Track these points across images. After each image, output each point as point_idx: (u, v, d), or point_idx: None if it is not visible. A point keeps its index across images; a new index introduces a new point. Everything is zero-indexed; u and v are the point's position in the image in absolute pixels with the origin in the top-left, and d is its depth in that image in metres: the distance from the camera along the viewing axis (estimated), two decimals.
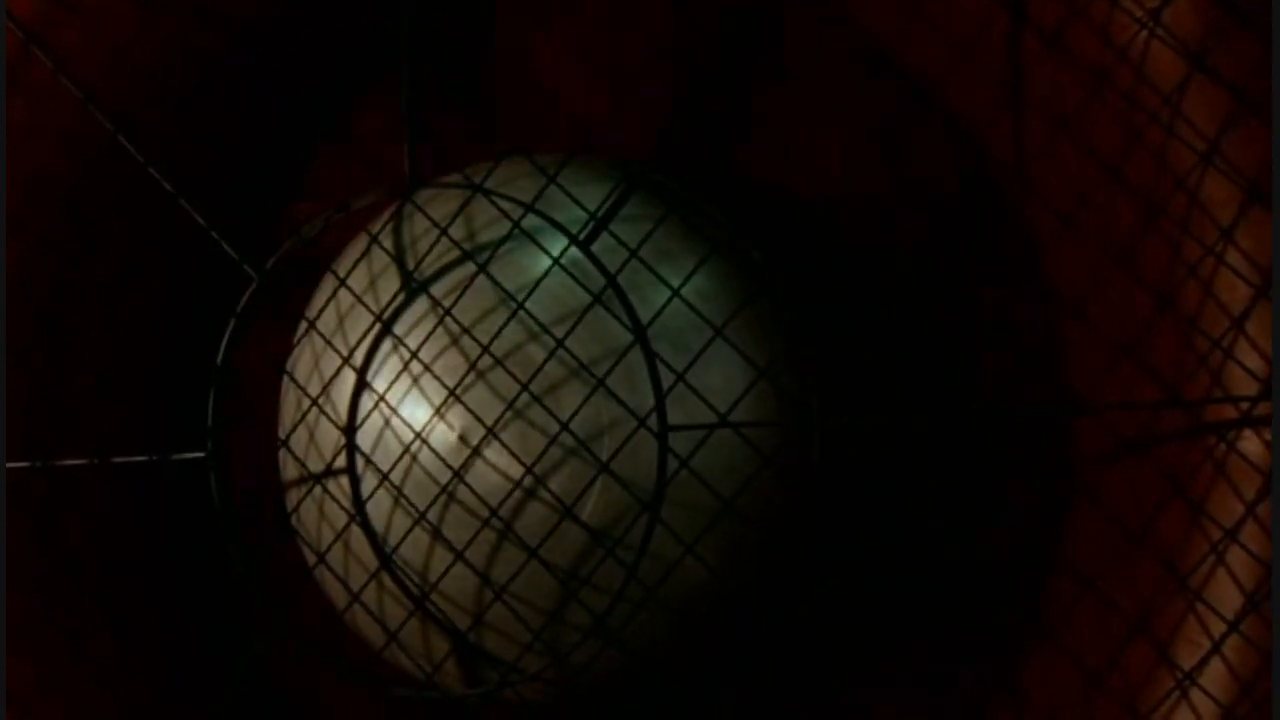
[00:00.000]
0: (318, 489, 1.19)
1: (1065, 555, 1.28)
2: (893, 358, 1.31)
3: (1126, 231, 1.21)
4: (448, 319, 1.13)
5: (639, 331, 1.09)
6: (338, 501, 1.17)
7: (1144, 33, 1.20)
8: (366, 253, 1.21)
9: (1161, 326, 1.20)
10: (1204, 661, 1.18)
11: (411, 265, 1.18)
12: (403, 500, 1.14)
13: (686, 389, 1.11)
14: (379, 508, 1.16)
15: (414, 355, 1.14)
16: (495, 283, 1.12)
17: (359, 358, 1.17)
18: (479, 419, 1.11)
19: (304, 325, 1.21)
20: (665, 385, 1.10)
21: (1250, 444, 1.18)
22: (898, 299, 1.33)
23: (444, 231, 1.14)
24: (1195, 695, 1.18)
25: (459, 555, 1.12)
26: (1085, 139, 1.22)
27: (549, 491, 1.11)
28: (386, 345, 1.16)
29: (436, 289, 1.15)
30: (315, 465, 1.19)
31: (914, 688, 1.35)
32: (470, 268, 1.14)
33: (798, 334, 1.16)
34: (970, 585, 1.33)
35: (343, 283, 1.18)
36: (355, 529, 1.17)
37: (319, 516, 1.20)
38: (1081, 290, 1.25)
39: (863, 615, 1.31)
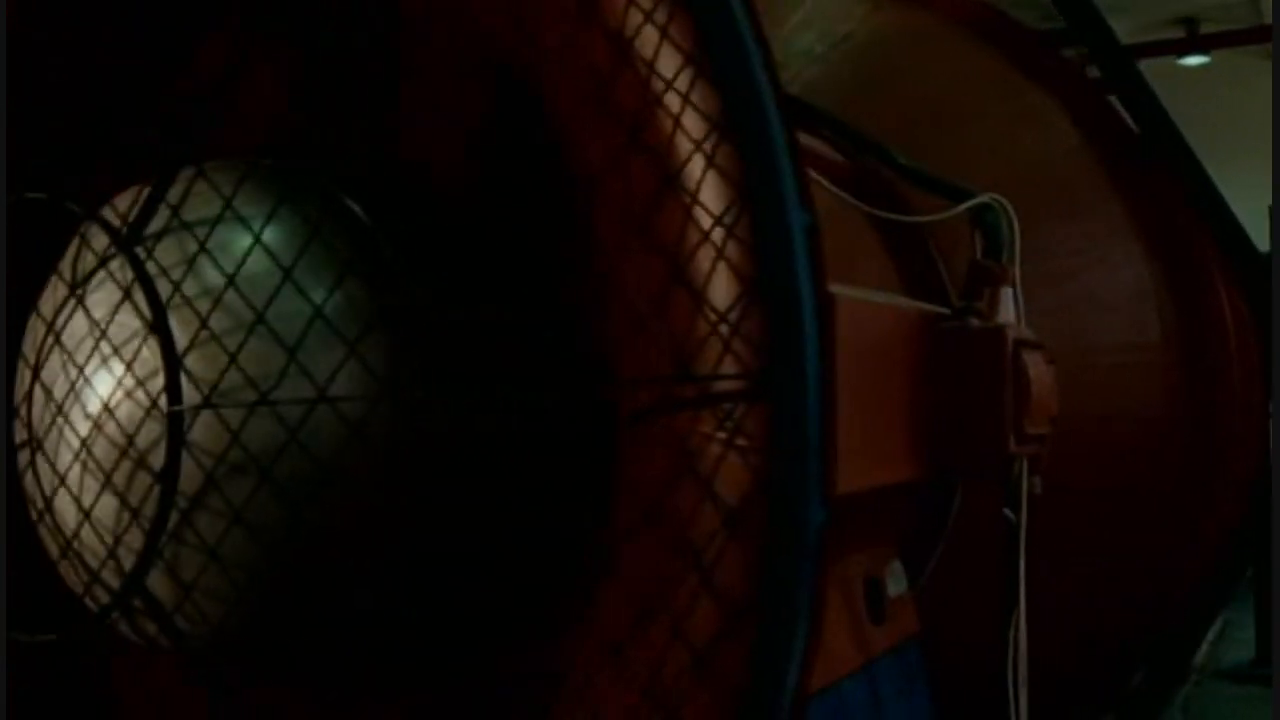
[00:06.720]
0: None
1: (594, 534, 1.30)
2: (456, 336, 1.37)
3: (646, 199, 1.22)
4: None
5: (159, 317, 1.25)
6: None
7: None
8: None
9: (677, 298, 1.20)
10: (715, 639, 1.17)
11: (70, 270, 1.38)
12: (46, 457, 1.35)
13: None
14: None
15: (42, 331, 1.34)
16: (60, 279, 1.32)
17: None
18: (76, 394, 1.32)
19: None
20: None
21: (755, 419, 1.17)
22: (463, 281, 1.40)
23: (81, 233, 1.36)
24: (706, 671, 1.17)
25: (51, 500, 1.33)
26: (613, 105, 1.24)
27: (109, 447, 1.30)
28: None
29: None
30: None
31: (458, 674, 1.43)
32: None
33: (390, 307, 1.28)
34: (510, 569, 1.39)
35: (33, 309, 1.40)
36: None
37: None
38: (609, 259, 1.25)
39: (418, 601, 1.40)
